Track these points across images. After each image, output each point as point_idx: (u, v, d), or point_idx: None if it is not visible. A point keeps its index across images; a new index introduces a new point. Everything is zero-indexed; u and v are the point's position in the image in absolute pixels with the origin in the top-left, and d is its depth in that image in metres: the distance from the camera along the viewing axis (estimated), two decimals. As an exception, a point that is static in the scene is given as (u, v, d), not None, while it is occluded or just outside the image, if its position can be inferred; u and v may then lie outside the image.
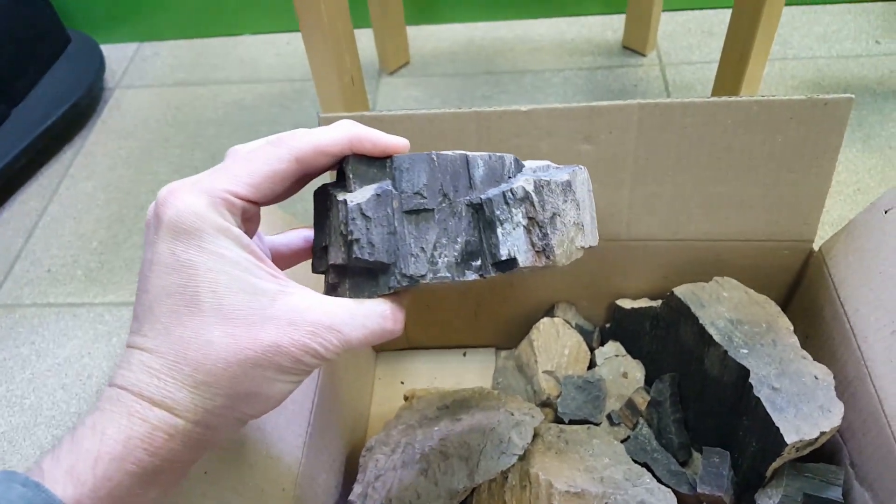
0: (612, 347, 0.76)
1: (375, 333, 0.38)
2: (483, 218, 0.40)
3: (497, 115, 0.62)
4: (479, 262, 0.40)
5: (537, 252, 0.40)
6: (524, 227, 0.40)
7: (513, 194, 0.39)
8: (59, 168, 1.22)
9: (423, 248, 0.39)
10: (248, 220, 0.38)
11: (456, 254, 0.39)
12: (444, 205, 0.39)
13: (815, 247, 0.68)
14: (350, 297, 0.39)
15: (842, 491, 0.58)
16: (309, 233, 0.46)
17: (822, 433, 0.56)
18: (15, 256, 1.07)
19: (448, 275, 0.39)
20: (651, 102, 0.60)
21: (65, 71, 1.29)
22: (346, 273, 0.39)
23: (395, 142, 0.40)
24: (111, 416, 0.33)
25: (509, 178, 0.41)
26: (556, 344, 0.75)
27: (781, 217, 0.66)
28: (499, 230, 0.39)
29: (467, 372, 0.83)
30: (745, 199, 0.65)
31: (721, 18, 1.36)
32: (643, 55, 1.30)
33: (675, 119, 0.61)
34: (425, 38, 1.41)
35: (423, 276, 0.38)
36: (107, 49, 1.43)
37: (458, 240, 0.39)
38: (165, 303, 0.34)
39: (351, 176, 0.39)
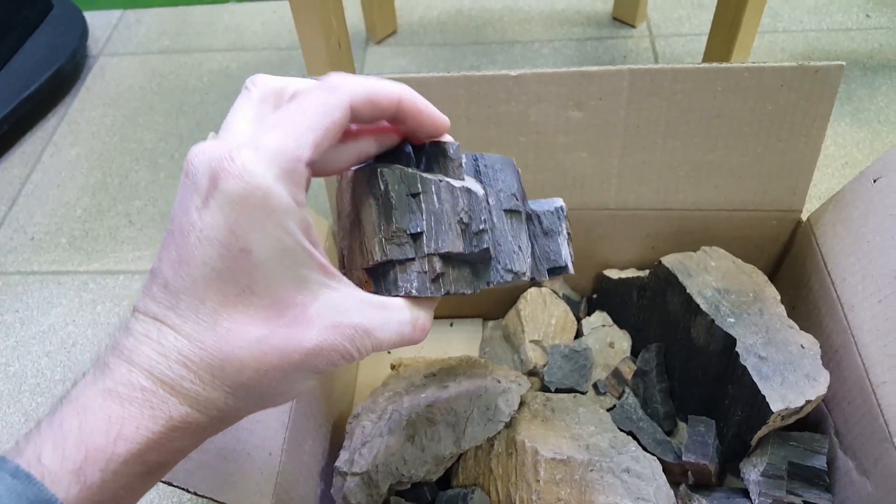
0: (599, 317, 0.76)
1: (403, 340, 0.37)
2: (540, 227, 0.42)
3: (487, 79, 0.61)
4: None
5: (573, 262, 0.43)
6: (568, 239, 0.43)
7: (562, 210, 0.43)
8: (42, 135, 1.20)
9: (520, 247, 0.39)
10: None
11: (531, 257, 0.41)
12: (522, 210, 0.41)
13: (804, 217, 0.68)
14: (455, 289, 0.38)
15: (826, 459, 0.59)
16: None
17: (808, 402, 0.56)
18: (-3, 224, 1.06)
19: (531, 276, 0.40)
20: (641, 68, 0.60)
21: (47, 37, 1.27)
22: (451, 264, 0.38)
23: (443, 117, 0.38)
24: (130, 413, 0.30)
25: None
26: (543, 314, 0.75)
27: (770, 186, 0.66)
28: (558, 239, 0.42)
29: (454, 342, 0.83)
30: (733, 168, 0.65)
31: (711, -10, 1.35)
32: (633, 26, 1.29)
33: (665, 85, 0.61)
34: (413, 6, 1.39)
35: (524, 273, 0.39)
36: (90, 16, 1.41)
37: (529, 244, 0.41)
38: (215, 286, 0.31)
39: (455, 162, 0.39)
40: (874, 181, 0.60)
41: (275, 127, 0.32)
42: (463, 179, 0.38)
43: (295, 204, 0.31)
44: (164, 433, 0.31)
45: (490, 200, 0.38)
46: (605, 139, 0.64)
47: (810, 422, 0.63)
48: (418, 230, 0.37)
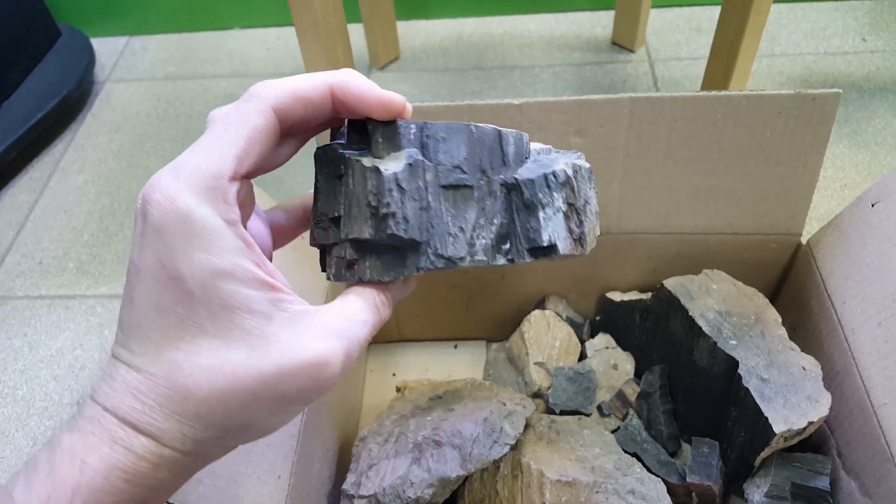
0: (603, 339, 0.77)
1: (372, 333, 0.35)
2: (521, 200, 0.37)
3: (489, 108, 0.62)
4: (508, 246, 0.37)
5: (574, 240, 0.38)
6: (563, 213, 0.37)
7: (555, 178, 0.37)
8: (49, 162, 1.22)
9: (462, 228, 0.35)
10: (242, 203, 0.32)
11: (492, 236, 0.36)
12: (482, 182, 0.36)
13: (803, 240, 0.69)
14: (369, 277, 0.35)
15: (829, 480, 0.59)
16: (309, 201, 0.40)
17: (810, 423, 0.57)
18: (6, 249, 1.07)
19: (484, 258, 0.36)
20: (642, 96, 0.61)
21: (55, 65, 1.29)
22: (368, 250, 0.35)
23: (388, 97, 0.34)
24: (92, 442, 0.29)
25: (527, 157, 0.38)
26: (546, 336, 0.76)
27: (770, 210, 0.67)
28: (540, 214, 0.36)
29: (458, 364, 0.84)
30: (733, 193, 0.66)
31: (709, 15, 1.37)
32: (632, 51, 1.31)
33: (665, 113, 0.62)
34: (415, 33, 1.41)
35: (461, 259, 0.35)
36: (96, 43, 1.43)
37: (495, 221, 0.37)
38: (155, 320, 0.30)
39: (380, 140, 0.35)
40: (872, 205, 0.61)
41: (195, 147, 0.32)
42: (380, 157, 0.35)
43: (223, 222, 0.30)
44: (130, 463, 0.30)
45: (427, 176, 0.34)
46: (607, 165, 0.65)
47: (813, 443, 0.63)
48: (336, 214, 0.35)
